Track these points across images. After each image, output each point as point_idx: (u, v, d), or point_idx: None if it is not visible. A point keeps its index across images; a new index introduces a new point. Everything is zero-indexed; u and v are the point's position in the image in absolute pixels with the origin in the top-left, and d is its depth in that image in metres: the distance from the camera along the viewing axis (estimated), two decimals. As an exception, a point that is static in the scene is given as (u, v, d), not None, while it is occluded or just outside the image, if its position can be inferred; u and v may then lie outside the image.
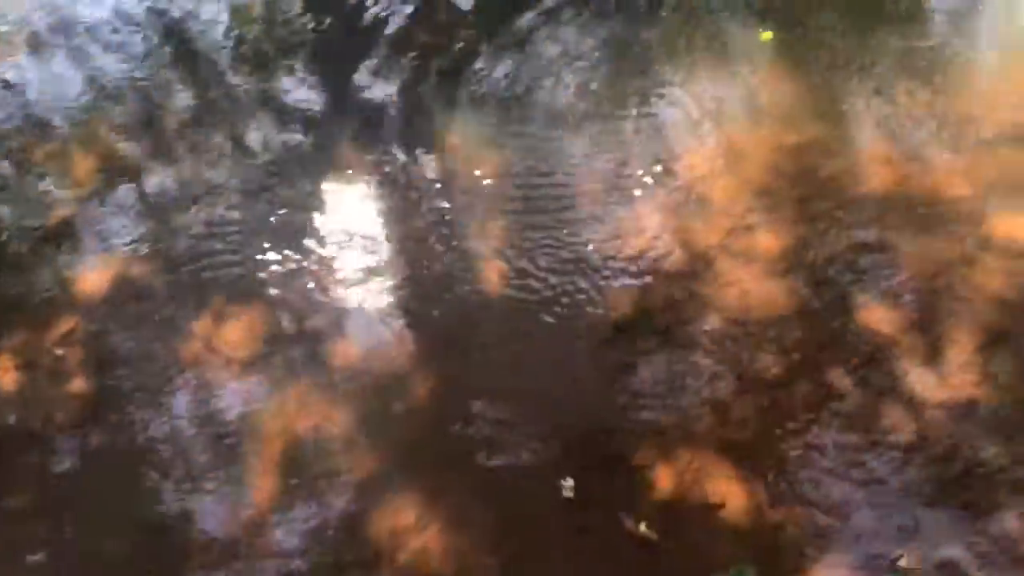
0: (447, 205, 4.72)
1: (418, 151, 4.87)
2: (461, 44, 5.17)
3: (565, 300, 4.38)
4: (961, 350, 3.95)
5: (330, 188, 4.89)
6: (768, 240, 4.33)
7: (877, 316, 4.09)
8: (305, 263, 4.67)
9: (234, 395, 4.41)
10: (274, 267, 4.68)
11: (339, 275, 4.63)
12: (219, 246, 4.78)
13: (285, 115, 5.13)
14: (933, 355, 3.97)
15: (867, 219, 4.28)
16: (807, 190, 4.40)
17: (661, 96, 4.80)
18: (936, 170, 4.31)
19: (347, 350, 4.45)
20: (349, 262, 4.67)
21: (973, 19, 4.70)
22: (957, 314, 4.02)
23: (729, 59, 4.82)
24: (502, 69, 5.05)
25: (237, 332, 4.55)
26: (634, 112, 4.79)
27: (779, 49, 4.81)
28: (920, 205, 4.24)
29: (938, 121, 4.43)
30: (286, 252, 4.72)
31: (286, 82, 5.23)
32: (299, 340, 4.50)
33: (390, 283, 4.57)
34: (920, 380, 3.93)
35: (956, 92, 4.49)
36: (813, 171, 4.44)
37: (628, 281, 4.37)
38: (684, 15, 5.01)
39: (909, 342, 4.02)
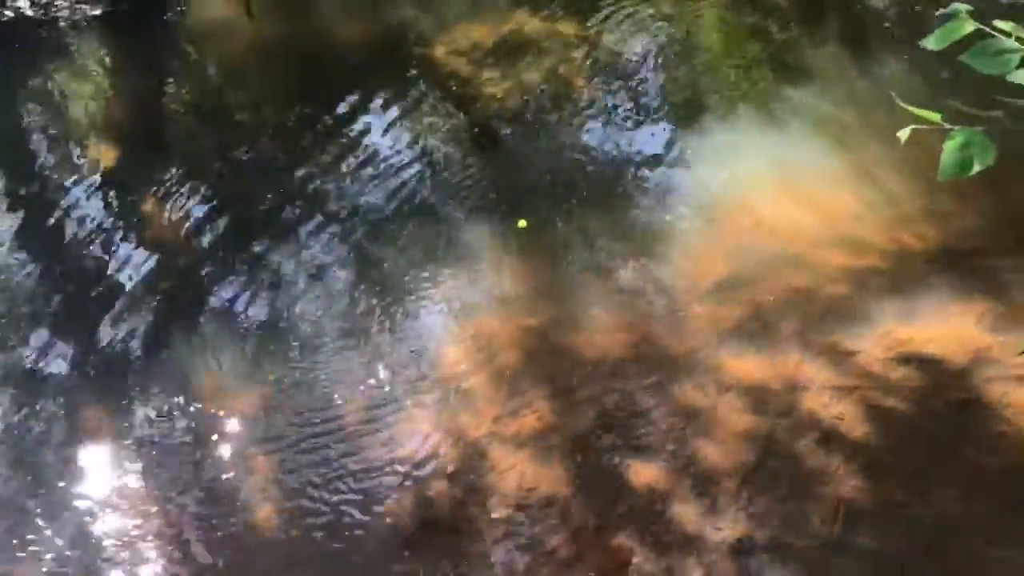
0: (210, 454, 4.53)
1: (171, 399, 4.71)
2: (204, 281, 5.17)
3: (346, 526, 4.24)
4: (726, 490, 4.15)
5: (78, 457, 4.57)
6: (532, 421, 4.46)
7: (646, 473, 4.24)
8: (53, 538, 4.26)
9: None
10: (27, 550, 4.23)
11: (96, 549, 4.26)
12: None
13: (26, 384, 4.84)
14: (705, 499, 4.14)
15: (614, 384, 4.52)
16: (556, 367, 4.62)
17: (414, 300, 5.00)
18: (667, 327, 4.67)
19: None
20: (105, 532, 4.32)
21: (679, 193, 5.31)
22: (716, 455, 4.25)
23: (477, 254, 5.14)
24: (248, 301, 5.08)
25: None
26: (389, 321, 4.93)
27: (525, 237, 5.21)
28: (658, 362, 4.55)
29: (661, 283, 4.86)
30: (35, 533, 4.31)
31: (26, 351, 4.98)
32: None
33: (156, 549, 4.25)
34: (700, 525, 4.06)
35: (673, 256, 4.98)
36: (558, 348, 4.69)
37: (409, 489, 4.32)
38: (429, 217, 5.31)
39: (681, 492, 4.17)
